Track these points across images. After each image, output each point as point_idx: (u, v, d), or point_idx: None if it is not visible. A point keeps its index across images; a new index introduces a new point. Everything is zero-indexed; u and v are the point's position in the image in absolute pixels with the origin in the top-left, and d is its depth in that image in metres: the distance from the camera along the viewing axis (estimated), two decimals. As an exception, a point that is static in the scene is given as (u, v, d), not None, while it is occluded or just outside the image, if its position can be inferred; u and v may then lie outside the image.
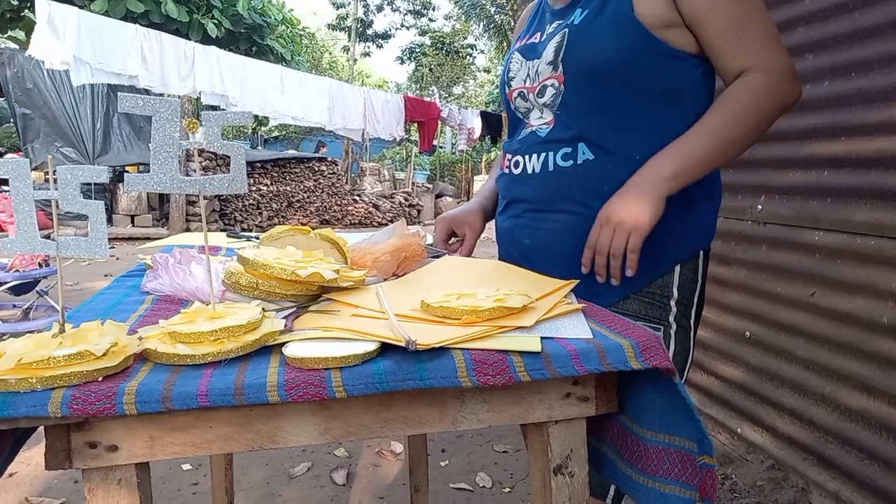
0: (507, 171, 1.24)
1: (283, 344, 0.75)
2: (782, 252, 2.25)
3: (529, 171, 1.17)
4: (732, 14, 1.02)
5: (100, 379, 0.66)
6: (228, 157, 0.81)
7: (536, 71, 1.16)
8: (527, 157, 1.18)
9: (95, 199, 0.73)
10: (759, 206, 2.35)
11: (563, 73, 1.11)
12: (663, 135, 1.06)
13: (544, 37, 1.17)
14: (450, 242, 1.36)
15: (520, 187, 1.20)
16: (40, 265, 4.04)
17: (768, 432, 2.30)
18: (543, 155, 1.14)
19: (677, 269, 1.11)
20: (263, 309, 0.83)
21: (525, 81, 1.19)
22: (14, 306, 4.38)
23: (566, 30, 1.11)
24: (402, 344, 0.71)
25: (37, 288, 4.20)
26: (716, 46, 1.04)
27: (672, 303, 1.11)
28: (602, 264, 1.03)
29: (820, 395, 2.06)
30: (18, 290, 4.17)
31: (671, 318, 1.11)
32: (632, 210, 1.00)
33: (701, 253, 1.14)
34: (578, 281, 1.04)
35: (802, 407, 2.13)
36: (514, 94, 1.23)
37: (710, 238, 1.16)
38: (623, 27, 1.04)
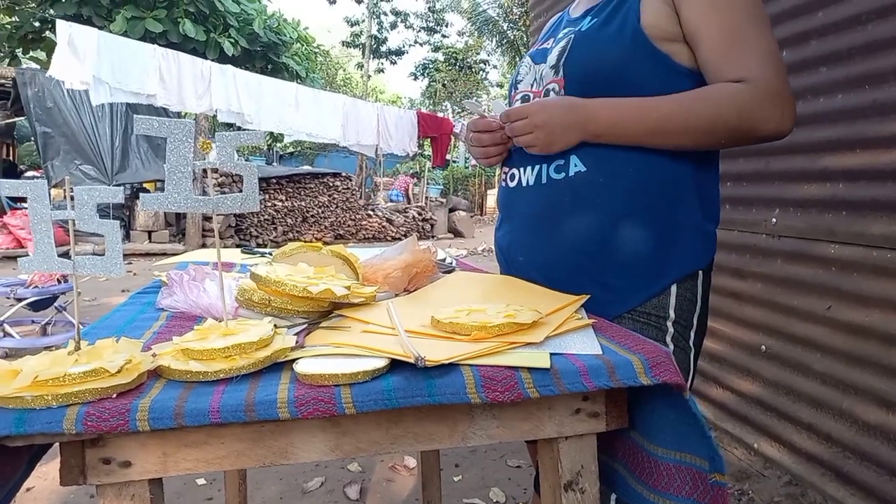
0: (503, 184, 1.23)
1: (294, 360, 0.76)
2: (798, 265, 2.23)
3: (524, 183, 1.15)
4: (727, 28, 0.99)
5: (114, 396, 0.67)
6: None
7: (542, 75, 1.15)
8: (521, 169, 1.16)
9: (113, 216, 0.75)
10: (774, 220, 2.34)
11: (563, 76, 1.09)
12: (654, 150, 1.04)
13: (554, 44, 1.16)
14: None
15: (515, 201, 1.19)
16: (59, 281, 4.10)
17: (785, 447, 2.26)
18: (538, 167, 1.12)
19: (673, 288, 1.07)
20: (275, 325, 0.84)
21: (532, 85, 1.18)
22: (33, 322, 4.44)
23: (572, 35, 1.10)
24: (412, 360, 0.71)
25: (55, 304, 4.26)
26: (708, 62, 1.00)
27: (669, 323, 1.07)
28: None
29: (837, 410, 2.03)
30: (37, 305, 4.22)
31: (668, 339, 1.07)
32: (560, 139, 1.05)
33: (700, 273, 1.10)
34: (589, 296, 1.04)
35: (820, 422, 2.10)
36: (518, 97, 1.21)
37: (709, 258, 1.11)
38: (627, 36, 1.03)
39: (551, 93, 1.12)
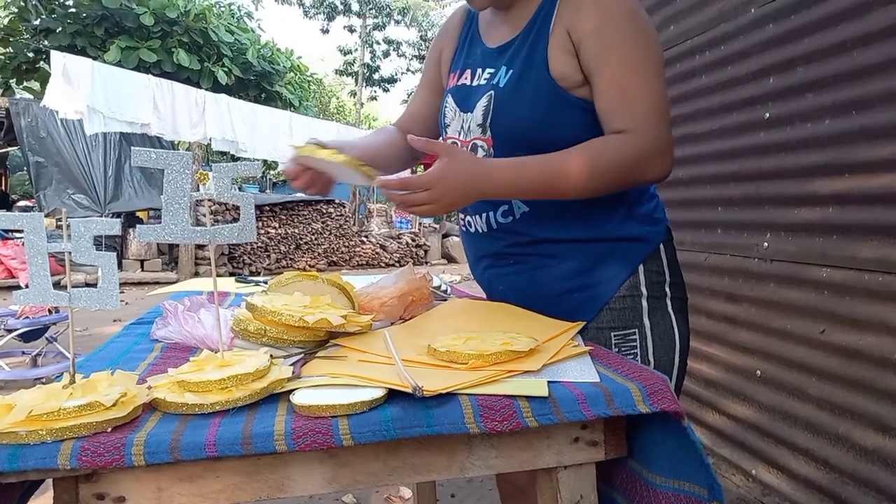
0: (463, 229, 1.29)
1: (291, 391, 0.76)
2: (790, 289, 2.23)
3: (479, 230, 1.21)
4: (619, 79, 1.03)
5: (109, 430, 0.66)
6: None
7: (469, 128, 1.18)
8: (473, 217, 1.22)
9: (106, 245, 0.74)
10: (766, 244, 2.35)
11: (491, 137, 1.14)
12: None
13: (474, 82, 1.18)
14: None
15: (477, 245, 1.26)
16: (50, 311, 4.06)
17: (784, 473, 2.25)
18: (485, 214, 1.18)
19: (641, 268, 1.13)
20: (272, 356, 0.84)
21: (459, 134, 1.21)
22: (23, 353, 4.38)
23: (492, 92, 1.13)
24: (409, 390, 0.71)
25: (46, 334, 4.21)
26: (601, 109, 1.05)
27: (643, 301, 1.13)
28: (394, 201, 1.04)
29: (834, 435, 2.02)
30: (28, 336, 4.18)
31: (644, 318, 1.12)
32: (450, 208, 1.02)
33: (661, 246, 1.16)
34: (585, 322, 1.05)
35: (817, 447, 2.09)
36: (449, 143, 1.24)
37: (663, 230, 1.18)
38: (543, 90, 1.08)
39: (479, 149, 1.16)
